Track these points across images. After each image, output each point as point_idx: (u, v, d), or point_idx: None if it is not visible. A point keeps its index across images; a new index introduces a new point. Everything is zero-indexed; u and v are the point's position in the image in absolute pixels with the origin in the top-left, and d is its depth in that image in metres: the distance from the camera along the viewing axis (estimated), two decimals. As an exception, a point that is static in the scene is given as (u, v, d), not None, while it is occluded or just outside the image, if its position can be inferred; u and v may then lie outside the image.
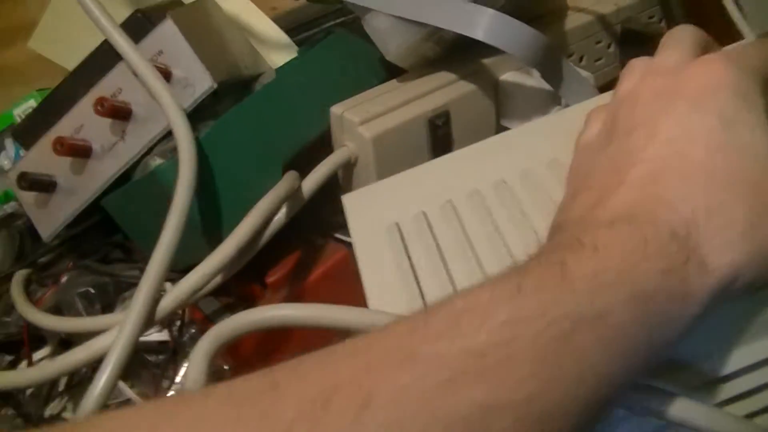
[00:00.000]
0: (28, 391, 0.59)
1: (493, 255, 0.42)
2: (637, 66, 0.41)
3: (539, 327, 0.28)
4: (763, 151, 0.34)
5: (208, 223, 0.53)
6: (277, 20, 0.68)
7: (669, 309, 0.31)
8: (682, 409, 0.34)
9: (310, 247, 0.58)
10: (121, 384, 0.59)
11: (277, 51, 0.67)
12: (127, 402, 0.59)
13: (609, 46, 0.69)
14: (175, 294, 0.48)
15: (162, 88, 0.53)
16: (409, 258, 0.43)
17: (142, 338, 0.58)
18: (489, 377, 0.27)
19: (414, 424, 0.26)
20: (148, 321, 0.47)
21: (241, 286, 0.57)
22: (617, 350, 0.29)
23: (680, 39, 0.40)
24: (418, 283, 0.42)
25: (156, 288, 0.47)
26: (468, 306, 0.29)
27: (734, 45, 0.39)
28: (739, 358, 0.36)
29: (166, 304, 0.48)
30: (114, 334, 0.46)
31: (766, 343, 0.36)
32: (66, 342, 0.59)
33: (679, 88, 0.36)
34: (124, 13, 0.60)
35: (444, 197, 0.46)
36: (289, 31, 0.69)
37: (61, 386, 0.60)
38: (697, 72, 0.36)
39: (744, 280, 0.33)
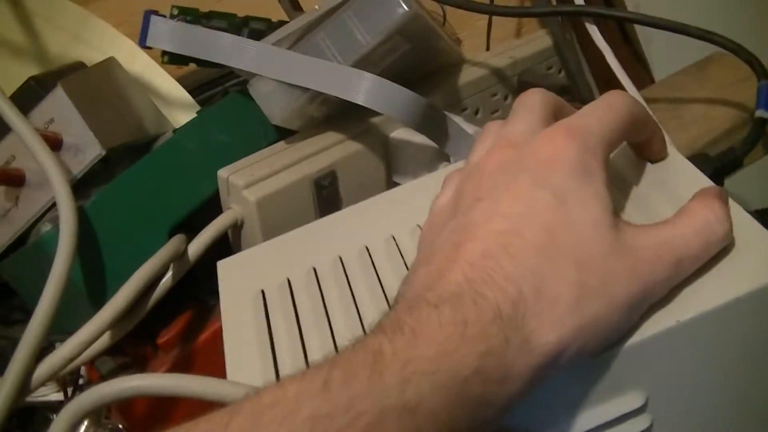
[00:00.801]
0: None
1: (347, 327, 0.43)
2: (489, 133, 0.42)
3: (342, 422, 0.28)
4: (593, 226, 0.35)
5: (94, 289, 0.54)
6: (183, 79, 0.70)
7: (487, 391, 0.31)
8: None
9: (202, 307, 0.59)
10: (22, 444, 0.60)
11: (181, 111, 0.68)
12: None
13: (506, 98, 0.70)
14: (50, 363, 0.49)
15: (46, 158, 0.54)
16: (269, 327, 0.44)
17: (42, 398, 0.59)
18: None
19: None
20: (24, 389, 0.48)
21: (134, 346, 0.58)
22: None
23: (529, 106, 0.41)
24: (273, 354, 0.43)
25: (29, 358, 0.48)
26: (273, 401, 0.29)
27: (585, 108, 0.40)
28: (579, 424, 0.37)
29: (41, 372, 0.49)
30: (-11, 403, 0.47)
31: (604, 409, 0.37)
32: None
33: (522, 162, 0.37)
34: (27, 73, 0.62)
35: (309, 264, 0.47)
36: (195, 90, 0.70)
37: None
38: (540, 146, 0.37)
39: (571, 354, 0.33)
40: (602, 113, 0.39)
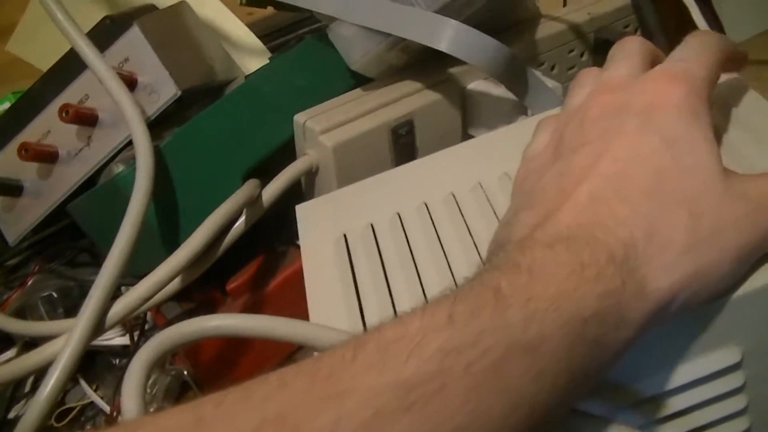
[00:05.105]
0: (-6, 394, 0.60)
1: (435, 272, 0.42)
2: (587, 79, 0.41)
3: (470, 357, 0.28)
4: (704, 172, 0.34)
5: (167, 230, 0.54)
6: (253, 26, 0.69)
7: (604, 333, 0.30)
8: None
9: (272, 254, 0.59)
10: (86, 387, 0.60)
11: (251, 57, 0.67)
12: (91, 404, 0.60)
13: (582, 55, 0.69)
14: (125, 302, 0.48)
15: (123, 96, 0.53)
16: (353, 271, 0.43)
17: (107, 342, 0.59)
18: (417, 411, 0.27)
19: None
20: (98, 328, 0.47)
21: (203, 292, 0.57)
22: (550, 378, 0.29)
23: (629, 52, 0.40)
24: (358, 297, 0.42)
25: (105, 296, 0.47)
26: (397, 336, 0.28)
27: (680, 52, 0.39)
28: (672, 378, 0.36)
29: (116, 311, 0.48)
30: (64, 340, 0.46)
31: (698, 363, 0.36)
32: (31, 344, 0.60)
33: (627, 106, 0.36)
34: (98, 16, 0.61)
35: (393, 209, 0.46)
36: (265, 37, 0.69)
37: (27, 387, 0.61)
38: (645, 90, 0.36)
39: (680, 302, 0.33)
40: (700, 55, 0.38)
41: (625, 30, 0.71)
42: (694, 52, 0.38)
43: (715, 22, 0.73)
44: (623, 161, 0.34)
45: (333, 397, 0.27)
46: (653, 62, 0.40)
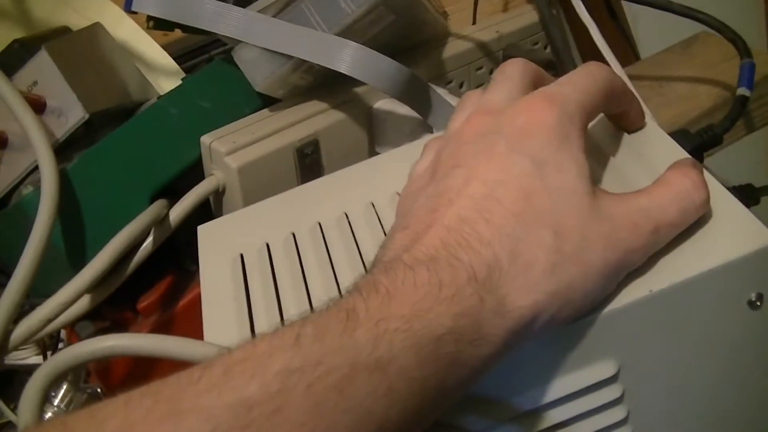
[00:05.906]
0: None
1: (324, 291, 0.43)
2: (468, 102, 0.42)
3: (312, 377, 0.28)
4: (571, 193, 0.35)
5: (74, 252, 0.54)
6: (168, 47, 0.69)
7: (460, 351, 0.31)
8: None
9: (183, 273, 0.59)
10: (3, 406, 0.60)
11: (166, 78, 0.68)
12: (8, 424, 0.60)
13: (491, 72, 0.69)
14: (28, 324, 0.49)
15: (29, 119, 0.54)
16: (247, 291, 0.45)
17: (23, 361, 0.59)
18: (255, 429, 0.27)
19: None
20: (1, 350, 0.48)
21: (114, 311, 0.58)
22: (401, 396, 0.30)
23: (509, 75, 0.41)
24: (251, 317, 0.43)
25: (7, 318, 0.48)
26: (244, 357, 0.29)
27: (564, 77, 0.40)
28: (549, 391, 0.37)
29: (19, 333, 0.49)
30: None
31: (575, 377, 0.37)
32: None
33: (500, 129, 0.37)
34: (17, 35, 0.62)
35: (289, 229, 0.47)
36: (180, 57, 0.70)
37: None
38: (518, 113, 0.37)
39: (546, 319, 0.34)
40: (580, 82, 0.39)
41: (533, 48, 0.72)
42: (577, 78, 0.39)
43: (623, 39, 0.75)
44: (492, 183, 0.35)
45: (172, 416, 0.27)
46: (536, 83, 0.41)
